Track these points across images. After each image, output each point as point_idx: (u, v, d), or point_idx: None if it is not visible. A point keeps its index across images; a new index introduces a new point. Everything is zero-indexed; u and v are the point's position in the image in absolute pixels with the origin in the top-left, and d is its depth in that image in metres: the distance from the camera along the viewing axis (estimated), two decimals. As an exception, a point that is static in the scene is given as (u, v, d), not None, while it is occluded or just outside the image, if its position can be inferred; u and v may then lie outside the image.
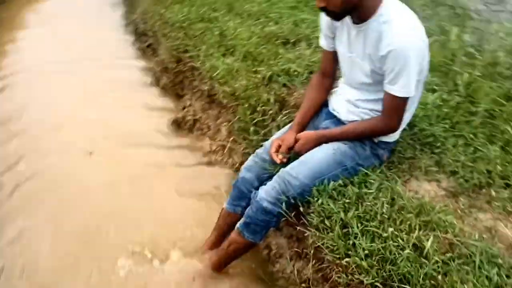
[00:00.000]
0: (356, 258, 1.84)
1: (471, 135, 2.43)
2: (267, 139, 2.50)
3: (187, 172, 3.01)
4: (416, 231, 1.92)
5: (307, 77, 2.90)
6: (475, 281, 1.73)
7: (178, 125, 3.39)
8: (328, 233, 2.00)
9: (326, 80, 2.35)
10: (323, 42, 2.28)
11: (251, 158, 2.40)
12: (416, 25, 1.95)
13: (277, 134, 2.41)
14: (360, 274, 1.82)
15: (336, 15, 1.97)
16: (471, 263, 1.81)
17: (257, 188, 2.32)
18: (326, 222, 2.00)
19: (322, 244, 1.95)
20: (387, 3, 1.95)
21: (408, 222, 1.95)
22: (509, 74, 2.96)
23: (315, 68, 2.96)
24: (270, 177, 2.27)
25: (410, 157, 2.31)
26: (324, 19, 2.21)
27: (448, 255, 1.84)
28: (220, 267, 2.35)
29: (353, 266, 1.84)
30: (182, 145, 3.22)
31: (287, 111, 2.68)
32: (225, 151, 2.98)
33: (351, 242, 1.92)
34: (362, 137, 2.17)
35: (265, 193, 2.14)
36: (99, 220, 2.63)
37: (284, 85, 2.86)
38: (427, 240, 1.88)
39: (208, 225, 2.50)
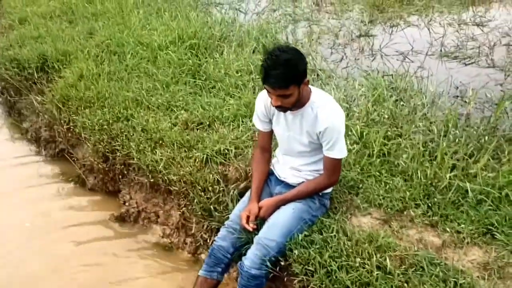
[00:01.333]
0: (345, 289, 2.34)
1: (377, 173, 3.12)
2: (227, 213, 2.92)
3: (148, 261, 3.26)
4: (374, 256, 2.49)
5: (236, 153, 3.38)
6: (429, 280, 2.33)
7: (122, 219, 3.59)
8: (312, 276, 2.47)
9: (266, 154, 2.88)
10: (260, 127, 2.81)
11: (223, 229, 2.78)
12: (336, 104, 2.60)
13: (239, 207, 2.83)
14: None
15: (287, 109, 2.52)
16: (419, 269, 2.42)
17: (232, 254, 2.73)
18: (309, 267, 2.47)
19: (314, 285, 2.41)
20: (315, 93, 2.58)
21: (367, 250, 2.52)
22: (378, 119, 3.78)
23: (239, 143, 3.46)
24: (243, 244, 2.69)
25: (345, 200, 2.91)
26: (260, 109, 2.75)
27: (403, 267, 2.43)
28: None
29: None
30: (135, 237, 3.44)
31: (233, 185, 3.12)
32: (180, 232, 3.29)
33: (333, 277, 2.42)
34: (312, 194, 2.71)
35: (250, 263, 2.54)
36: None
37: (220, 163, 3.30)
38: (384, 260, 2.46)
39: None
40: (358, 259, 2.46)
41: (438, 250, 2.55)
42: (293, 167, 2.79)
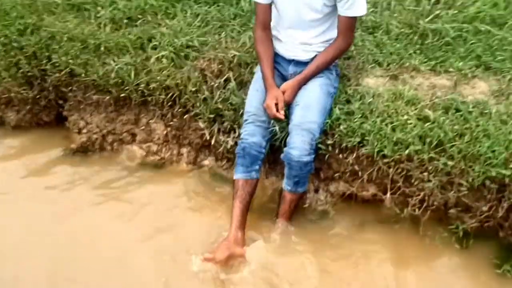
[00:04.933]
0: (413, 146, 2.29)
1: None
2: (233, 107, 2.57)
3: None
4: (410, 111, 2.46)
5: (201, 41, 2.87)
6: (466, 114, 2.41)
7: (85, 150, 2.88)
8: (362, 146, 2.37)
9: (268, 32, 2.52)
10: None
11: (249, 125, 2.46)
12: None
13: (256, 98, 2.48)
14: (417, 153, 2.30)
15: None
16: (452, 109, 2.47)
17: (265, 147, 2.47)
18: (367, 138, 2.34)
19: (378, 151, 2.31)
20: None
21: (400, 108, 2.47)
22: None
23: (198, 32, 2.93)
24: (272, 136, 2.48)
25: (345, 66, 2.75)
26: None
27: (439, 112, 2.46)
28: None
29: (412, 152, 2.29)
30: (112, 165, 2.83)
31: (223, 78, 2.70)
32: (170, 145, 2.81)
33: (390, 139, 2.34)
34: (331, 63, 2.49)
35: (300, 151, 2.31)
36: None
37: (193, 57, 2.79)
38: (421, 111, 2.45)
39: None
40: (403, 117, 2.40)
41: (454, 90, 2.61)
42: (302, 42, 2.49)
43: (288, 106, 2.46)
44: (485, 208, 2.33)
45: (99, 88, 2.77)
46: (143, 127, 2.82)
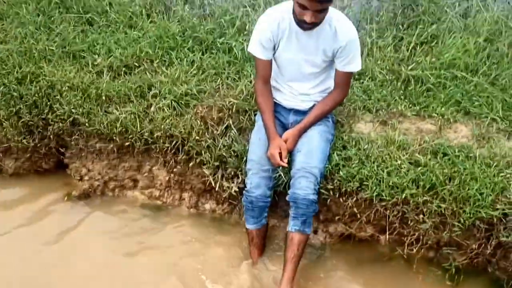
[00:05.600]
0: (408, 190, 2.45)
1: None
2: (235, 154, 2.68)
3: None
4: (402, 156, 2.63)
5: (198, 89, 2.97)
6: (454, 158, 2.59)
7: (86, 196, 2.90)
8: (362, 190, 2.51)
9: (268, 85, 2.65)
10: (262, 55, 2.54)
11: (254, 176, 2.56)
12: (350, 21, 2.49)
13: (259, 148, 2.59)
14: (412, 197, 2.45)
15: (314, 26, 2.34)
16: (440, 153, 2.66)
17: (270, 196, 2.57)
18: (366, 182, 2.49)
19: (376, 195, 2.46)
20: (330, 10, 2.39)
21: (393, 153, 2.63)
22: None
23: (195, 79, 3.03)
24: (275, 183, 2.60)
25: (338, 113, 2.91)
26: (265, 36, 2.48)
27: (428, 156, 2.64)
28: (294, 276, 2.45)
29: (408, 195, 2.45)
30: (115, 211, 2.86)
31: (224, 125, 2.80)
32: (172, 190, 2.86)
33: (387, 184, 2.49)
34: (329, 112, 2.65)
35: (305, 190, 2.44)
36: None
37: (194, 105, 2.89)
38: (412, 156, 2.63)
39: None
40: (397, 162, 2.56)
41: (439, 135, 2.80)
42: (301, 92, 2.65)
43: (290, 153, 2.58)
44: (474, 246, 2.50)
45: (102, 136, 2.81)
46: (145, 174, 2.87)
